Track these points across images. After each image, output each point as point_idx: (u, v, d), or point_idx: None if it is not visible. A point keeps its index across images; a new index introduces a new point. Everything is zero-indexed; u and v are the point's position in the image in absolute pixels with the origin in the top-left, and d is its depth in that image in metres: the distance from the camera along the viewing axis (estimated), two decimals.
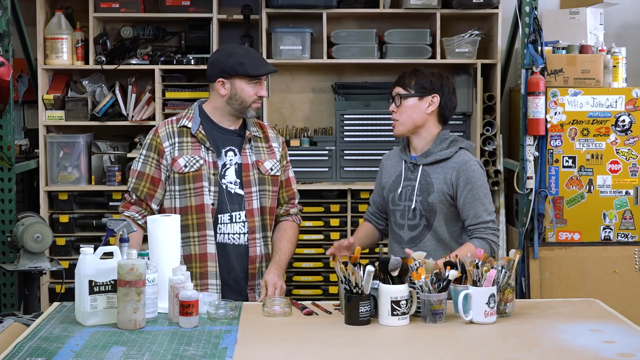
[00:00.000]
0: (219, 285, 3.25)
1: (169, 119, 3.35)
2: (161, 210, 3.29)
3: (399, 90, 3.28)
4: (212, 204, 3.24)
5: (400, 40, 5.14)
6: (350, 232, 5.06)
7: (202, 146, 3.26)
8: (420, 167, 3.27)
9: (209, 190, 3.24)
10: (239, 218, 3.27)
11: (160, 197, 3.29)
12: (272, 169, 3.35)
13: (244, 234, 3.28)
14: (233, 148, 3.31)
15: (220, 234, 3.26)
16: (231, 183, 3.28)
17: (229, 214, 3.26)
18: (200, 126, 3.28)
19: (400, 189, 3.30)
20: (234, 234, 3.27)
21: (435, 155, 3.25)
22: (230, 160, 3.29)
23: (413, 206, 3.25)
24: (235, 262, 3.28)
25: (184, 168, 3.24)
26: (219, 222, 3.26)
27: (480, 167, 3.27)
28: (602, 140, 4.77)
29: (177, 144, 3.27)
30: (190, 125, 3.28)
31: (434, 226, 3.24)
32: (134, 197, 3.28)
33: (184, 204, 3.25)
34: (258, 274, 3.30)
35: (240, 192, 3.28)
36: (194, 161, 3.24)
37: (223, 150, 3.29)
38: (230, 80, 3.24)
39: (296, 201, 3.49)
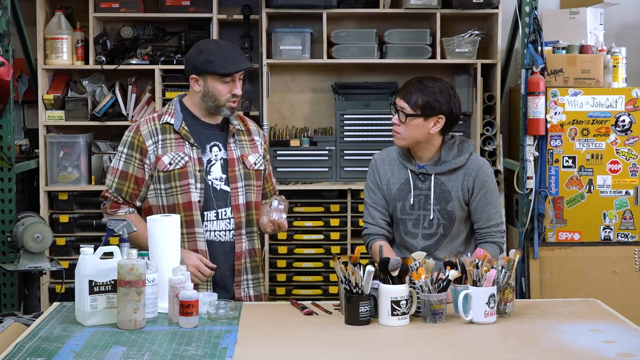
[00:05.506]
0: (210, 281, 3.22)
1: (150, 116, 3.28)
2: (147, 207, 3.25)
3: (403, 105, 3.16)
4: (199, 201, 3.20)
5: (400, 40, 5.14)
6: (350, 232, 5.07)
7: (187, 142, 3.21)
8: (432, 175, 3.22)
9: (196, 187, 3.19)
10: (225, 215, 3.24)
11: (144, 195, 3.25)
12: (255, 163, 3.31)
13: (230, 230, 3.25)
14: (217, 143, 3.26)
15: (207, 231, 3.22)
16: (217, 179, 3.24)
17: (214, 211, 3.23)
18: (183, 122, 3.23)
19: (411, 198, 3.24)
20: (220, 231, 3.24)
21: (449, 164, 3.21)
22: (215, 155, 3.25)
23: (431, 216, 3.22)
24: (221, 259, 3.24)
25: (168, 166, 3.18)
26: (205, 219, 3.22)
27: (492, 170, 3.30)
28: (602, 140, 4.77)
29: (160, 142, 3.21)
30: (172, 121, 3.22)
31: (452, 233, 3.23)
32: (120, 198, 3.24)
33: (171, 202, 3.21)
34: (243, 270, 3.28)
35: (226, 188, 3.24)
36: (179, 158, 3.19)
37: (207, 146, 3.24)
38: (202, 77, 3.18)
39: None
